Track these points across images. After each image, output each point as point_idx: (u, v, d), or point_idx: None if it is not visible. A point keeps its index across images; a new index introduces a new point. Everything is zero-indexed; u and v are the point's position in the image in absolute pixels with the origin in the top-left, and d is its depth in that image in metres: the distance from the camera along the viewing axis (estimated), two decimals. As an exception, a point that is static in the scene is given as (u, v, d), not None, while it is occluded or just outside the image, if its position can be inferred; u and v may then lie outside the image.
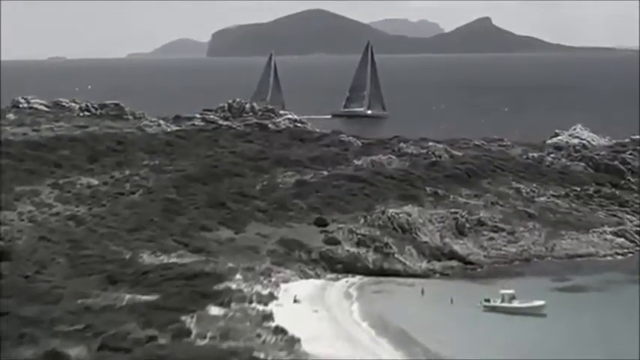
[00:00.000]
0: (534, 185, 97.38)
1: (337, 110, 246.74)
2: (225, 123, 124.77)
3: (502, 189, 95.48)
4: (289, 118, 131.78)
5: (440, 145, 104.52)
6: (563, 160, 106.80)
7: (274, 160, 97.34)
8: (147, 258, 71.76)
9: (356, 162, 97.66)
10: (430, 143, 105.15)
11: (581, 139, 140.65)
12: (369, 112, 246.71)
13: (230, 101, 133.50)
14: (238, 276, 67.94)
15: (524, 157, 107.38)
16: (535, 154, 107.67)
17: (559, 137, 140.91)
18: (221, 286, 64.40)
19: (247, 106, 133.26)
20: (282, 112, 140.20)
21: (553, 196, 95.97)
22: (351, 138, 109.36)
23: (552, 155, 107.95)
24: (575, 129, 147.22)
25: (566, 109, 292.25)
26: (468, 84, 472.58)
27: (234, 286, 65.02)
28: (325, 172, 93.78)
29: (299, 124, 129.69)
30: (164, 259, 71.59)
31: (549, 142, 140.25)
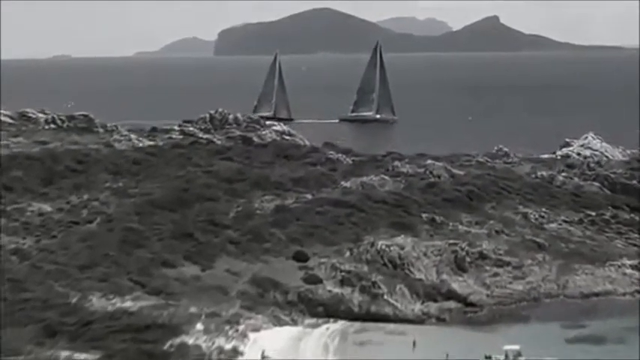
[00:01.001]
0: (544, 210, 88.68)
1: (345, 115, 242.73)
2: (206, 136, 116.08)
3: (508, 214, 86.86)
4: (276, 130, 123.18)
5: (439, 164, 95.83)
6: (576, 179, 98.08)
7: (253, 181, 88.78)
8: (96, 302, 63.41)
9: (344, 184, 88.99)
10: (428, 161, 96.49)
11: (594, 150, 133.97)
12: (378, 116, 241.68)
13: (212, 112, 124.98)
14: (199, 326, 59.64)
15: (533, 175, 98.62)
16: (544, 173, 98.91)
17: (570, 148, 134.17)
18: (176, 341, 56.18)
19: (230, 117, 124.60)
20: (268, 122, 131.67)
21: (565, 222, 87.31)
22: (340, 155, 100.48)
23: (564, 174, 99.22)
24: (586, 137, 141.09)
25: (577, 112, 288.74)
26: (478, 84, 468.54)
27: (191, 341, 56.81)
28: (309, 196, 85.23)
29: (287, 137, 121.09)
30: (116, 302, 63.18)
31: (559, 153, 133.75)
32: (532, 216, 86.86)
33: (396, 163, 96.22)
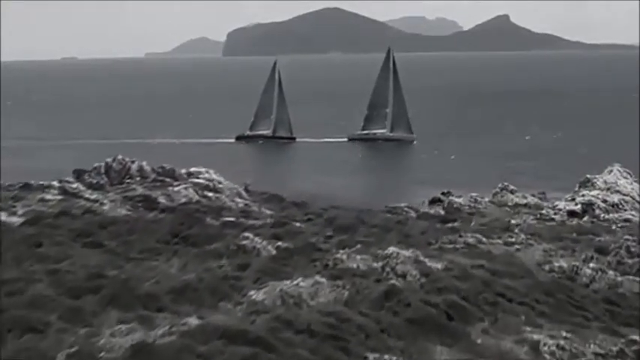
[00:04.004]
0: (564, 334, 59.74)
1: (354, 133, 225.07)
2: (93, 196, 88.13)
3: (508, 344, 57.76)
4: (197, 183, 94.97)
5: (406, 253, 66.22)
6: (610, 272, 69.15)
7: (111, 292, 59.82)
8: None
9: (254, 295, 59.96)
10: (391, 249, 67.30)
11: (623, 195, 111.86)
12: (392, 134, 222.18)
13: (109, 160, 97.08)
14: None
15: (547, 267, 69.65)
16: (564, 263, 69.80)
17: (593, 192, 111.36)
18: None
19: (134, 166, 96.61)
20: (193, 169, 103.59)
21: (597, 355, 58.45)
22: (257, 241, 70.84)
23: (592, 264, 70.30)
24: (611, 171, 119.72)
25: (593, 122, 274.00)
26: (486, 89, 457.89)
27: None
28: (192, 321, 56.30)
29: (209, 194, 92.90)
30: None
31: (580, 199, 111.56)
32: (547, 347, 57.89)
33: (341, 252, 67.28)
